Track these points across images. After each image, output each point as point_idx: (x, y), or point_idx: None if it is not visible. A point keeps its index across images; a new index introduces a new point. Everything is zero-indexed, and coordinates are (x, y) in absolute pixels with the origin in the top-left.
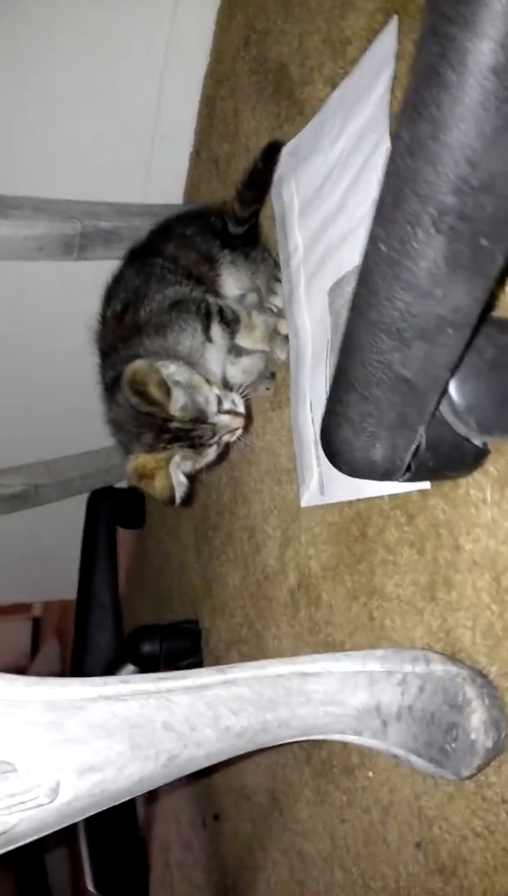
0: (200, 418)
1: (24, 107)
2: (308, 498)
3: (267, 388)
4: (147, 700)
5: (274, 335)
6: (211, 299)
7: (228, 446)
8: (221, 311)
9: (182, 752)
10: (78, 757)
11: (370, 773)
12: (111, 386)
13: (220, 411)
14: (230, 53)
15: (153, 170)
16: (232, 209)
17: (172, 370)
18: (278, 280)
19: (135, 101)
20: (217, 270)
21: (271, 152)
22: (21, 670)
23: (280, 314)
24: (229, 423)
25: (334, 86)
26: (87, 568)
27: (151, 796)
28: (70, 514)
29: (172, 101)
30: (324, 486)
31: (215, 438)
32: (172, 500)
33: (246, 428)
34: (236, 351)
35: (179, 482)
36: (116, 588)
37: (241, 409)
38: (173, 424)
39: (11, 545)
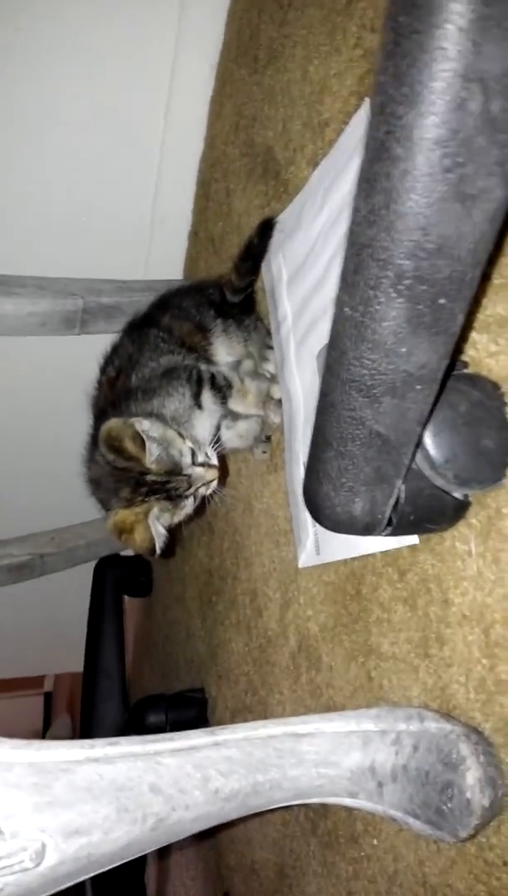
0: (174, 470)
1: (29, 191)
2: (305, 558)
3: (264, 452)
4: (135, 762)
5: (268, 400)
6: (203, 366)
7: (205, 499)
8: (212, 377)
9: (170, 815)
10: (63, 820)
11: (375, 841)
12: (91, 446)
13: (194, 463)
14: (222, 139)
15: (154, 248)
16: (230, 280)
17: (146, 426)
18: (270, 347)
19: (135, 186)
20: (210, 339)
21: (265, 229)
22: None
23: (273, 379)
24: (203, 475)
25: (315, 165)
26: (93, 638)
27: (160, 874)
28: (79, 584)
29: (169, 186)
30: (320, 545)
31: (191, 490)
32: (152, 551)
33: (221, 480)
34: (232, 416)
35: (159, 533)
36: (123, 658)
37: (214, 461)
38: (149, 477)
39: (21, 617)
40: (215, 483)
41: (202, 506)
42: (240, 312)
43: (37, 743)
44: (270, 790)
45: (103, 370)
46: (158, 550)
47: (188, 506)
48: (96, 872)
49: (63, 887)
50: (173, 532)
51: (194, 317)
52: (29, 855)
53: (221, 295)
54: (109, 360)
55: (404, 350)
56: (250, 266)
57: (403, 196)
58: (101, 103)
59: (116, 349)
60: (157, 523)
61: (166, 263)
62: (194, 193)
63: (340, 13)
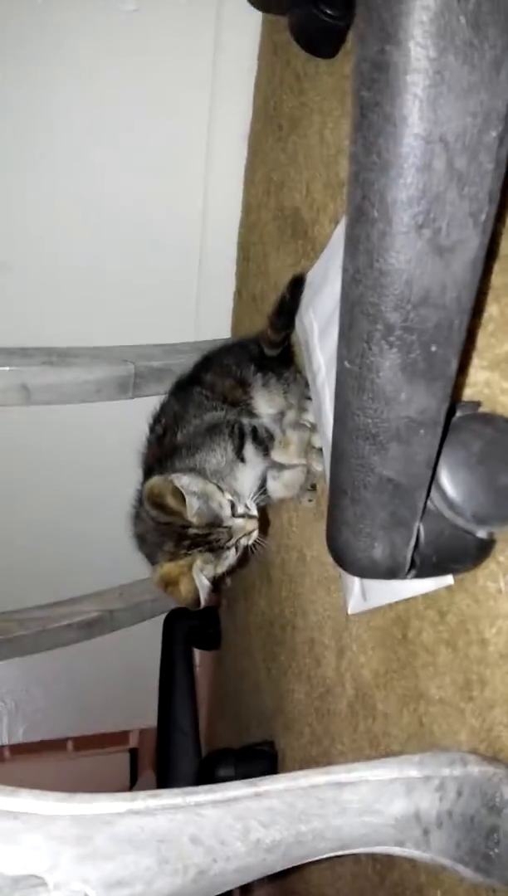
0: (215, 523)
1: (83, 264)
2: (354, 604)
3: (309, 500)
4: (175, 814)
5: (310, 449)
6: (245, 420)
7: (248, 549)
8: (254, 430)
9: (211, 867)
10: (105, 871)
11: (438, 892)
12: (137, 504)
13: (234, 515)
14: (256, 204)
15: (201, 311)
16: (266, 335)
17: (186, 481)
18: (309, 398)
19: (181, 253)
20: (250, 393)
21: (295, 286)
22: None
23: (314, 429)
24: (243, 526)
25: (336, 222)
26: (165, 692)
27: None
28: (151, 639)
29: (213, 251)
30: (366, 591)
31: (233, 542)
32: (197, 602)
33: (263, 530)
34: (277, 466)
35: (203, 585)
36: (196, 711)
37: (254, 512)
38: (191, 530)
39: (101, 674)
40: (255, 533)
41: (245, 556)
42: (278, 365)
43: (80, 796)
44: (313, 840)
45: (152, 429)
46: (202, 602)
47: (230, 556)
48: None
49: None
50: (218, 583)
51: (236, 372)
52: None
53: (259, 350)
54: (157, 419)
55: (403, 397)
56: (285, 321)
57: (383, 254)
58: (141, 173)
59: (163, 408)
60: (201, 575)
61: (215, 324)
62: (235, 256)
63: (348, 78)
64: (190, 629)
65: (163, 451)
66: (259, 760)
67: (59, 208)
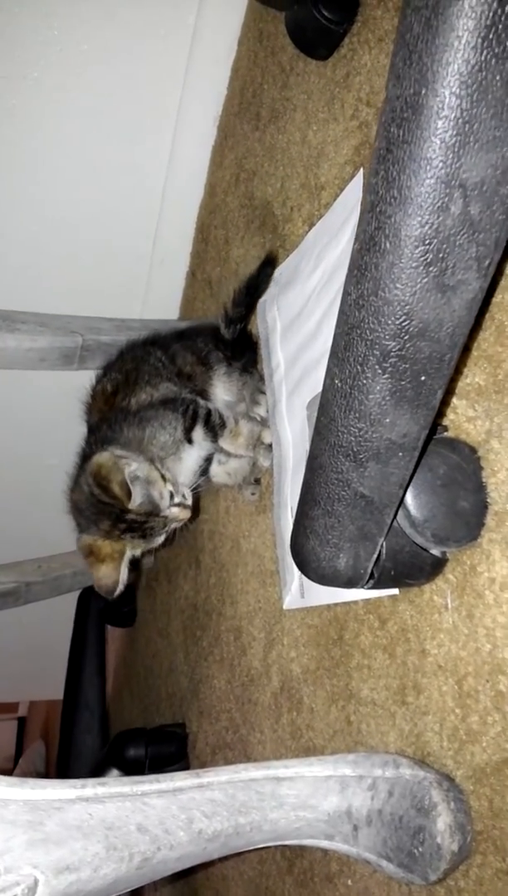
0: (153, 512)
1: (31, 228)
2: (290, 601)
3: (252, 494)
4: (123, 802)
5: (258, 443)
6: (201, 402)
7: (174, 532)
8: (208, 414)
9: (155, 855)
10: (55, 856)
11: (349, 882)
12: (80, 465)
13: (171, 504)
14: (222, 188)
15: (151, 288)
16: (225, 309)
17: (134, 467)
18: (262, 392)
19: (136, 226)
20: (210, 375)
21: (267, 264)
22: (5, 772)
23: (263, 423)
24: (177, 515)
25: (310, 225)
26: (74, 668)
27: None
28: (57, 612)
29: (169, 228)
30: (304, 589)
31: (165, 528)
32: (111, 592)
33: (192, 519)
34: (225, 453)
35: (123, 580)
36: (104, 689)
37: (189, 501)
38: (129, 516)
39: (1, 644)
40: (185, 520)
41: (170, 538)
42: (237, 357)
43: (31, 781)
44: (250, 832)
45: (100, 380)
46: (116, 594)
47: (159, 540)
48: None
49: None
50: (138, 562)
51: (202, 351)
52: (22, 890)
53: (217, 333)
54: (106, 371)
55: (388, 420)
56: (246, 298)
57: (389, 285)
58: (106, 143)
59: (116, 360)
60: (126, 569)
61: (163, 303)
62: (192, 237)
63: (338, 84)
64: (105, 605)
65: (111, 412)
66: (170, 742)
67: (19, 169)
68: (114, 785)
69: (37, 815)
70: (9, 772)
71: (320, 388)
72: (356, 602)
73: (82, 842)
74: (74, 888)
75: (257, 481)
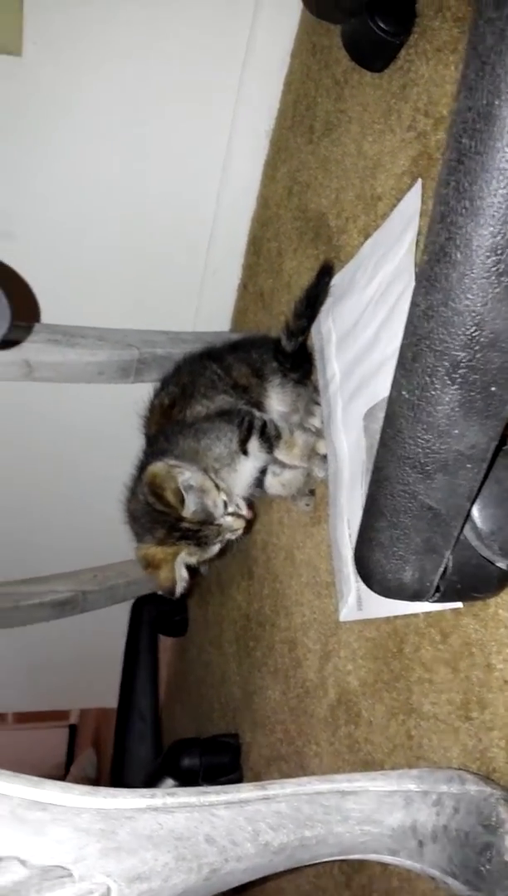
0: (207, 520)
1: (89, 243)
2: (346, 612)
3: (306, 505)
4: (191, 813)
5: (313, 454)
6: (257, 413)
7: (229, 543)
8: (264, 425)
9: (223, 866)
10: (127, 865)
11: None
12: (137, 476)
13: (226, 514)
14: (275, 201)
15: (203, 301)
16: (286, 322)
17: (187, 476)
18: (317, 403)
19: (189, 241)
20: (265, 387)
21: (325, 273)
22: (56, 778)
23: (318, 434)
24: (232, 524)
25: (366, 236)
26: (128, 676)
27: None
28: (110, 621)
29: (221, 242)
30: (362, 601)
31: (220, 538)
32: (172, 592)
33: (248, 528)
34: (279, 464)
35: (182, 577)
36: (157, 698)
37: (244, 511)
38: (184, 524)
39: (51, 652)
40: (240, 531)
41: (225, 548)
42: (295, 369)
43: (103, 790)
44: (316, 845)
45: (158, 393)
46: (177, 593)
47: (214, 549)
48: None
49: None
50: (195, 572)
51: (256, 362)
52: None
53: (278, 346)
54: (164, 385)
55: (456, 432)
56: (307, 308)
57: (460, 296)
58: (159, 156)
59: (174, 373)
60: (182, 568)
61: (215, 315)
62: (244, 250)
63: (395, 95)
64: (158, 615)
65: (168, 424)
66: (224, 752)
67: (77, 185)
68: (182, 795)
69: (109, 823)
70: (60, 778)
71: (376, 399)
72: (416, 615)
73: (153, 851)
74: None
75: (312, 492)
